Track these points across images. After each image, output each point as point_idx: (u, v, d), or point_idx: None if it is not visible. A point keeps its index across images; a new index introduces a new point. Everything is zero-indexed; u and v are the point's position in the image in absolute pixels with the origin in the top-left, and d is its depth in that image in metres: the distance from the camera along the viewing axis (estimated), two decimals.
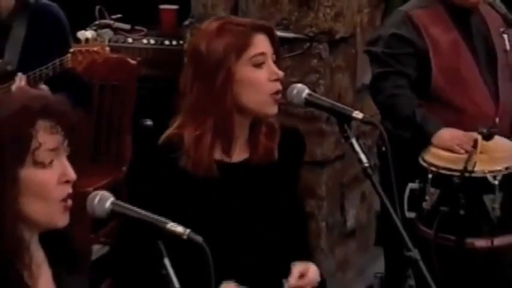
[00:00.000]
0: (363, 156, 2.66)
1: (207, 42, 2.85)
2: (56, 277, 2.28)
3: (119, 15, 5.06)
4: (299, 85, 2.80)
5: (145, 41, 4.90)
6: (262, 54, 2.83)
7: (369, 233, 4.75)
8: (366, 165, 2.65)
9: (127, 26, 5.03)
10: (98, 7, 4.93)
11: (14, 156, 2.09)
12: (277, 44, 2.94)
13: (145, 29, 5.03)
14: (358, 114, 2.67)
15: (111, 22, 4.95)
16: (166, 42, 4.76)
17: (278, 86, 2.83)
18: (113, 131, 4.49)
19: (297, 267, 2.89)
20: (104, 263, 4.17)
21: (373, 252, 4.64)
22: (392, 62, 3.86)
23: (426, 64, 3.85)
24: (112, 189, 2.94)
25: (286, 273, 2.93)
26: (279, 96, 2.84)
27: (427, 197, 3.61)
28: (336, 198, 4.62)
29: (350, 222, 4.71)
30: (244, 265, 2.89)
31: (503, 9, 3.76)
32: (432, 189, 3.60)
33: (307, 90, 2.78)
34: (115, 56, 4.40)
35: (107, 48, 4.05)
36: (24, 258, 2.15)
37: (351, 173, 4.66)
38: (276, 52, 2.90)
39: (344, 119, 2.69)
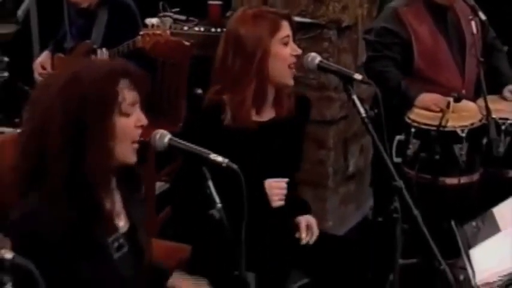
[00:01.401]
0: (361, 109, 2.68)
1: (246, 27, 2.87)
2: (125, 203, 2.31)
3: (177, 9, 5.08)
4: (313, 54, 2.83)
5: (196, 28, 4.90)
6: (288, 36, 2.88)
7: (366, 177, 4.73)
8: (364, 115, 2.67)
9: (183, 17, 5.05)
10: (161, 2, 4.95)
11: (103, 108, 2.10)
12: (295, 29, 2.97)
13: (197, 20, 5.04)
14: (358, 76, 2.70)
15: (171, 14, 4.97)
16: (213, 30, 4.76)
17: (295, 60, 2.89)
18: (172, 97, 4.51)
19: (302, 222, 3.01)
20: (165, 196, 4.16)
21: (368, 191, 4.61)
22: (381, 48, 3.85)
23: (409, 50, 3.83)
24: None
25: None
26: (294, 69, 2.89)
27: (410, 146, 3.61)
28: (341, 149, 4.62)
29: (351, 168, 4.72)
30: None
31: (471, 1, 3.76)
32: (414, 140, 3.61)
33: (319, 58, 2.81)
34: (174, 39, 4.39)
35: (168, 32, 4.08)
36: (107, 185, 2.19)
37: (353, 130, 4.67)
38: (294, 35, 2.94)
39: (347, 80, 2.72)
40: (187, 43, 4.52)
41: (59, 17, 4.73)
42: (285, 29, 2.89)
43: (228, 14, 4.62)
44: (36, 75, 4.56)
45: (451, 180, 3.61)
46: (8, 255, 1.65)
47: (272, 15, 2.92)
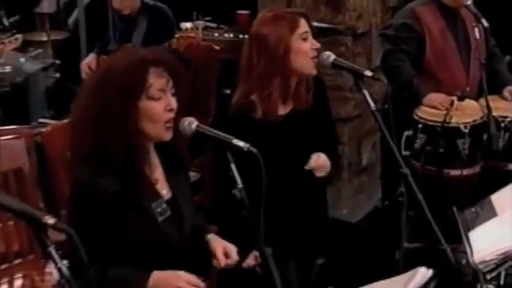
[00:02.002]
0: (371, 103, 2.64)
1: (267, 27, 2.86)
2: (168, 176, 2.36)
3: (209, 18, 5.06)
4: (328, 52, 2.81)
5: (226, 35, 4.89)
6: (306, 32, 2.88)
7: (376, 170, 4.72)
8: (373, 108, 2.64)
9: (214, 25, 5.04)
10: (195, 12, 4.96)
11: (134, 92, 2.15)
12: (312, 26, 2.97)
13: (226, 27, 5.04)
14: (368, 73, 2.67)
15: (204, 21, 4.96)
16: (240, 36, 4.73)
17: (316, 53, 2.88)
18: (202, 95, 4.49)
19: (313, 156, 2.95)
20: (196, 185, 4.14)
21: (379, 183, 4.58)
22: (399, 42, 3.82)
23: (422, 45, 3.80)
24: None
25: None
26: (316, 60, 2.87)
27: (417, 140, 3.59)
28: (355, 145, 4.60)
29: (364, 162, 4.69)
30: (292, 179, 2.94)
31: (474, 9, 3.73)
32: (421, 135, 3.59)
33: (333, 56, 2.80)
34: (205, 44, 4.43)
35: (200, 35, 4.10)
36: (146, 159, 2.24)
37: (366, 127, 4.64)
38: (312, 32, 2.94)
39: (359, 76, 2.70)
40: (217, 47, 4.52)
41: (103, 25, 4.76)
42: (303, 26, 2.89)
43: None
44: (83, 75, 4.60)
45: (455, 172, 3.59)
46: (51, 220, 1.68)
47: (290, 14, 2.93)
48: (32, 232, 1.72)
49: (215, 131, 2.25)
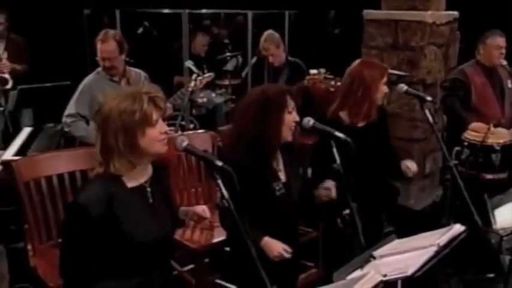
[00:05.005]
0: (430, 118, 2.59)
1: (367, 70, 2.79)
2: (285, 165, 2.27)
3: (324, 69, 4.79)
4: (402, 84, 2.76)
5: (338, 83, 4.77)
6: (386, 81, 2.81)
7: (436, 177, 4.55)
8: (431, 122, 2.58)
9: (331, 76, 4.81)
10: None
11: (277, 108, 2.13)
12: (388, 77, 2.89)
13: (339, 78, 4.88)
14: (429, 98, 2.62)
15: (324, 70, 4.76)
16: None
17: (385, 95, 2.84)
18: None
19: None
20: None
21: (437, 185, 4.46)
22: (451, 91, 3.75)
23: (469, 93, 3.72)
24: None
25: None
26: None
27: (463, 154, 3.47)
28: (421, 158, 4.42)
29: (427, 170, 4.51)
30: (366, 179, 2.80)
31: (508, 67, 3.61)
32: (466, 150, 3.47)
33: (406, 86, 2.75)
34: (324, 86, 4.30)
35: (322, 77, 4.04)
36: (276, 153, 2.23)
37: (429, 147, 4.44)
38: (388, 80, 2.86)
39: (423, 100, 2.64)
40: (332, 89, 4.36)
41: (262, 75, 4.81)
42: (386, 76, 2.84)
43: None
44: None
45: (489, 176, 3.45)
46: (219, 163, 1.71)
47: (382, 66, 2.88)
48: (208, 171, 1.70)
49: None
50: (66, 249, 1.62)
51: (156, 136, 1.65)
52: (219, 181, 1.69)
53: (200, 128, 4.94)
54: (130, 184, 1.70)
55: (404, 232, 3.20)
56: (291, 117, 2.16)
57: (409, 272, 1.59)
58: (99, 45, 3.20)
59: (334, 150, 2.13)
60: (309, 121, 2.21)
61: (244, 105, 2.22)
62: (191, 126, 4.94)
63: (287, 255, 2.07)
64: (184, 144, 1.76)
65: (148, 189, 1.75)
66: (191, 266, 2.77)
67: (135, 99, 1.61)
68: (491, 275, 3.06)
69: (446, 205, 2.65)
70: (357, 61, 2.91)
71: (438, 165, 4.53)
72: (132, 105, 1.59)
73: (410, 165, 2.77)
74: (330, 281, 2.43)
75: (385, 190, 2.97)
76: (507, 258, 2.56)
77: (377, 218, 2.95)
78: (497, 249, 2.75)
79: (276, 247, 2.08)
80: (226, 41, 6.62)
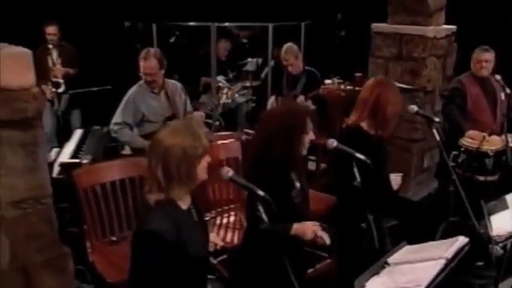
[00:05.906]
0: (437, 136, 2.55)
1: (383, 89, 2.55)
2: (299, 176, 2.20)
3: (339, 77, 4.84)
4: (413, 105, 2.67)
5: (348, 87, 4.69)
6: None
7: (432, 171, 4.50)
8: (438, 140, 2.53)
9: (342, 81, 4.83)
10: (332, 74, 4.87)
11: (298, 128, 2.07)
12: None
13: (348, 82, 4.85)
14: (436, 119, 2.59)
15: (337, 79, 4.79)
16: (356, 88, 4.50)
17: None
18: (333, 120, 4.29)
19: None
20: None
21: (433, 179, 4.43)
22: (450, 99, 3.71)
23: (465, 101, 3.67)
24: None
25: None
26: None
27: (460, 158, 3.46)
28: (420, 155, 4.40)
29: (425, 165, 4.48)
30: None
31: (501, 81, 3.55)
32: (463, 155, 3.46)
33: (416, 108, 2.66)
34: (336, 91, 4.40)
35: (335, 86, 4.05)
36: (296, 165, 2.18)
37: (427, 146, 4.40)
38: None
39: (431, 121, 2.61)
40: (343, 94, 4.47)
41: (280, 79, 4.76)
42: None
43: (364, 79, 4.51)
44: (269, 107, 4.68)
45: (482, 178, 3.43)
46: (261, 192, 1.71)
47: (396, 87, 2.65)
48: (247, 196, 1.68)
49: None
50: (141, 274, 1.60)
51: (205, 165, 1.70)
52: (260, 207, 1.67)
53: (225, 125, 4.95)
54: (183, 206, 1.73)
55: (406, 224, 3.23)
56: (308, 136, 2.14)
57: (423, 285, 1.60)
58: (142, 63, 3.21)
59: (355, 170, 2.07)
60: (333, 142, 2.15)
61: (270, 125, 2.12)
62: (217, 123, 4.95)
63: (320, 232, 2.02)
64: (230, 174, 1.77)
65: (193, 210, 1.78)
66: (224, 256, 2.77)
67: (194, 135, 1.66)
68: (481, 263, 3.06)
69: (449, 201, 2.66)
70: (376, 80, 2.68)
71: (435, 161, 4.50)
72: (194, 141, 1.65)
73: (393, 179, 2.56)
74: (343, 272, 2.45)
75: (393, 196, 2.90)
76: (498, 247, 2.55)
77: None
78: (487, 239, 2.74)
79: (307, 229, 2.03)
80: (246, 45, 6.50)
